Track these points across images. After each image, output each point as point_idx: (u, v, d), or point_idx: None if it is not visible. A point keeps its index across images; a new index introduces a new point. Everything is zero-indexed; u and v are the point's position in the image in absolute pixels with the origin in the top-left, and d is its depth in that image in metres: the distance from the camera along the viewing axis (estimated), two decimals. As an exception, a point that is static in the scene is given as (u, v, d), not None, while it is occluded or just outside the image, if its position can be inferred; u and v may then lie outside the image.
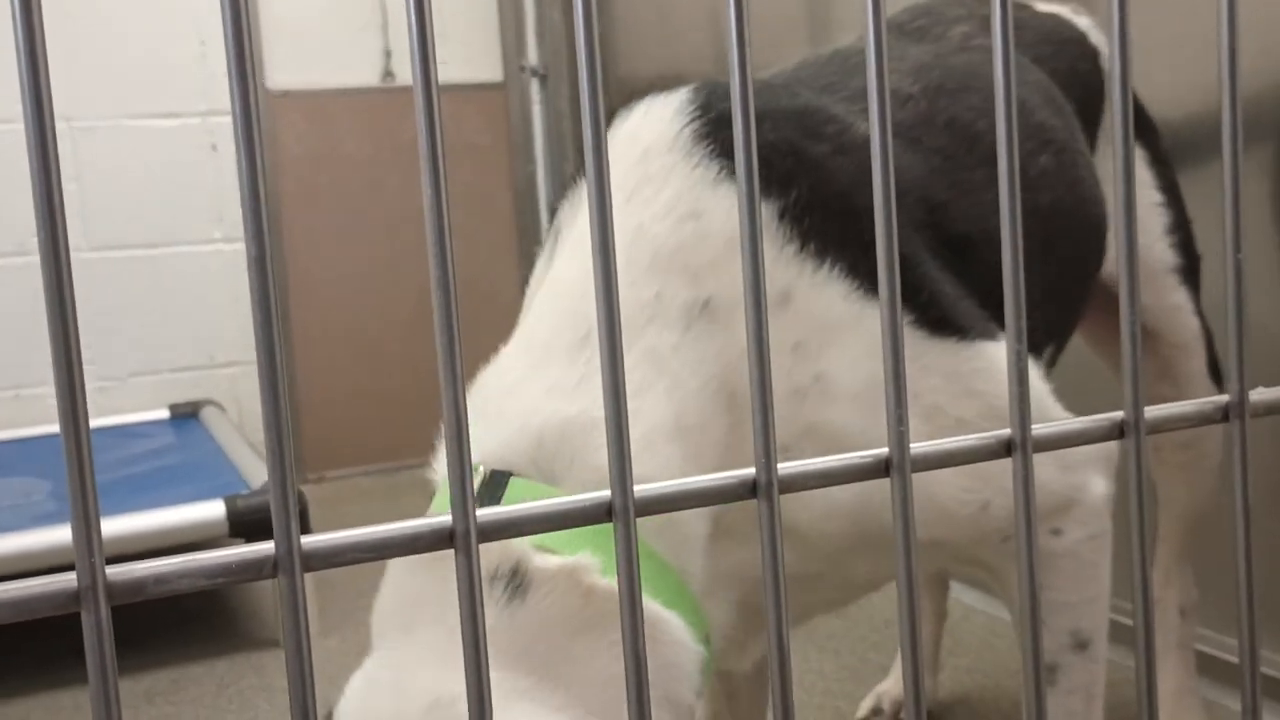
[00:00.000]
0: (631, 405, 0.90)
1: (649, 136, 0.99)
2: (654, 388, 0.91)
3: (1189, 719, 1.58)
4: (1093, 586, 1.05)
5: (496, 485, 0.87)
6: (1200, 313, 1.45)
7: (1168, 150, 1.49)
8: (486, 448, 0.90)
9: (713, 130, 0.98)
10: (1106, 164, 1.42)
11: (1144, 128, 1.44)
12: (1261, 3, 1.59)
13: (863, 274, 0.96)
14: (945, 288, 1.01)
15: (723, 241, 0.94)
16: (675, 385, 0.91)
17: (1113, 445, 1.03)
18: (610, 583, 0.83)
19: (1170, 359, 1.42)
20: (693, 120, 0.98)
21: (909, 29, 1.29)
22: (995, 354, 0.99)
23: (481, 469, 0.88)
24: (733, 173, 0.95)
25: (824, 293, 0.94)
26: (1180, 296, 1.42)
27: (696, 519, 0.91)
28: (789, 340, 0.94)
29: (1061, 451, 1.00)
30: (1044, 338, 1.20)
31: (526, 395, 0.91)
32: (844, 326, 0.94)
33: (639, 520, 0.70)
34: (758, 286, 0.49)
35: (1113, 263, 1.42)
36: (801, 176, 0.97)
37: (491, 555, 0.83)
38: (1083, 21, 1.45)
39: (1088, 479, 1.03)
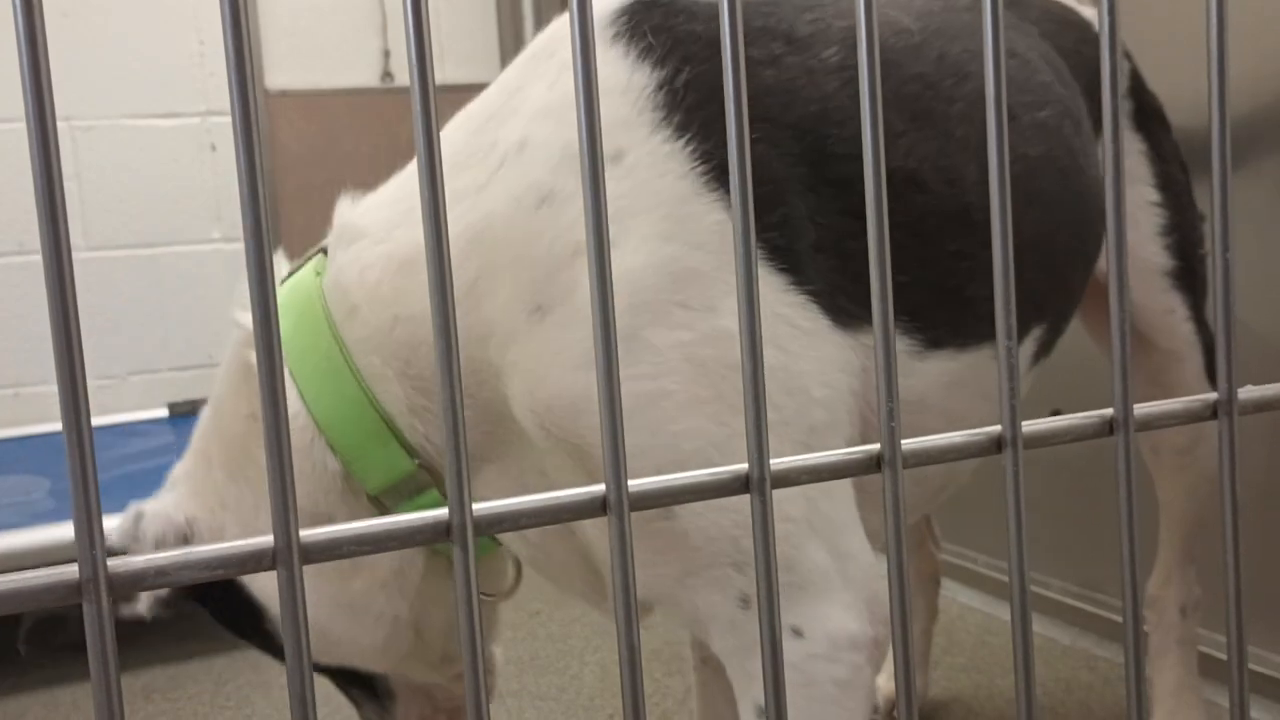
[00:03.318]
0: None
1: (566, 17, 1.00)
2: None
3: (1188, 717, 1.58)
4: None
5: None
6: (1197, 318, 1.42)
7: (1176, 147, 1.43)
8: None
9: (633, 10, 0.97)
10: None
11: (1149, 120, 1.39)
12: (1262, 5, 1.60)
13: (713, 165, 0.91)
14: (814, 232, 0.95)
15: (601, 95, 0.90)
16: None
17: (880, 590, 0.91)
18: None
19: (1162, 365, 1.40)
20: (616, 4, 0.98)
21: None
22: (832, 338, 0.93)
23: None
24: (629, 39, 0.95)
25: (660, 163, 0.91)
26: (1173, 300, 1.39)
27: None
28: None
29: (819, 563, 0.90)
30: (1032, 312, 1.12)
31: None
32: (661, 201, 0.91)
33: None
34: (751, 287, 0.49)
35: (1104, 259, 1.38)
36: (709, 70, 0.94)
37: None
38: (1087, 11, 1.44)
39: (844, 605, 0.90)
